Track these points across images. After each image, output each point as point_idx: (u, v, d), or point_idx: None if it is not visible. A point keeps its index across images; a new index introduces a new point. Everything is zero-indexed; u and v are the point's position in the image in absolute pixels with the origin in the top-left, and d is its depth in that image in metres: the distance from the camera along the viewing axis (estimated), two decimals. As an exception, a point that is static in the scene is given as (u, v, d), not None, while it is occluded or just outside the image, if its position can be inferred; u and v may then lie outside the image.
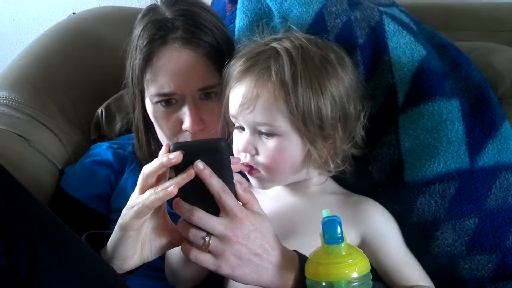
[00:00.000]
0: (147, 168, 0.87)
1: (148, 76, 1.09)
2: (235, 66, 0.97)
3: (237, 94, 0.95)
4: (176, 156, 0.83)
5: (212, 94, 1.09)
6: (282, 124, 0.93)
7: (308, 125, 0.92)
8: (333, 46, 1.01)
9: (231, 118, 0.98)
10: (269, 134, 0.94)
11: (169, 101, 1.09)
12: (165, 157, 0.84)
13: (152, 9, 1.13)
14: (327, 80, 0.94)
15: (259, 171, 0.96)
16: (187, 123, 1.08)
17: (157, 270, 1.04)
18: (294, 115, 0.91)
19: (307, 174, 0.99)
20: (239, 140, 0.96)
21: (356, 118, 0.98)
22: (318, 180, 1.01)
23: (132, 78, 1.13)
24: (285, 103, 0.91)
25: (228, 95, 0.98)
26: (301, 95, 0.91)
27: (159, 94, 1.08)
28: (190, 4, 1.13)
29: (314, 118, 0.92)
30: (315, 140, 0.93)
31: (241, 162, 0.95)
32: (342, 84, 0.95)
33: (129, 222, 0.87)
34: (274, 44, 0.96)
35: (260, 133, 0.94)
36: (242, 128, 0.96)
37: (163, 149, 0.86)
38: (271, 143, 0.94)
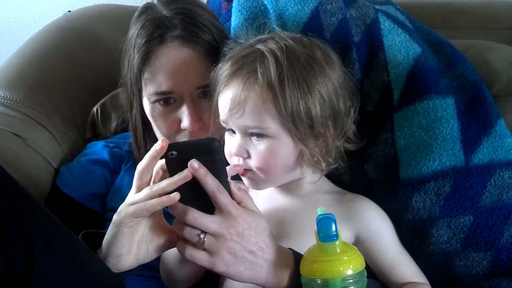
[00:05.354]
0: (140, 165, 0.88)
1: (146, 75, 1.09)
2: (222, 70, 0.97)
3: (226, 99, 0.94)
4: (161, 143, 0.84)
5: (210, 92, 1.09)
6: (272, 126, 0.92)
7: (298, 125, 0.92)
8: (319, 43, 1.00)
9: (221, 123, 0.97)
10: (260, 136, 0.93)
11: (167, 100, 1.09)
12: (152, 150, 0.85)
13: (149, 7, 1.13)
14: (314, 79, 0.93)
15: (251, 171, 0.95)
16: (186, 122, 1.08)
17: (153, 270, 1.04)
18: (284, 116, 0.91)
19: (301, 173, 0.99)
20: (231, 143, 0.96)
21: (346, 114, 0.98)
22: (312, 179, 1.01)
23: (130, 77, 1.12)
24: (274, 104, 0.91)
25: (217, 100, 0.98)
26: (289, 96, 0.91)
27: (157, 93, 1.08)
28: (187, 2, 1.13)
29: (303, 118, 0.92)
30: (306, 139, 0.93)
31: (235, 164, 0.95)
32: (330, 81, 0.95)
33: (124, 219, 0.88)
34: (259, 46, 0.95)
35: (251, 136, 0.94)
36: (233, 131, 0.96)
37: (157, 143, 0.86)
38: (262, 145, 0.94)
